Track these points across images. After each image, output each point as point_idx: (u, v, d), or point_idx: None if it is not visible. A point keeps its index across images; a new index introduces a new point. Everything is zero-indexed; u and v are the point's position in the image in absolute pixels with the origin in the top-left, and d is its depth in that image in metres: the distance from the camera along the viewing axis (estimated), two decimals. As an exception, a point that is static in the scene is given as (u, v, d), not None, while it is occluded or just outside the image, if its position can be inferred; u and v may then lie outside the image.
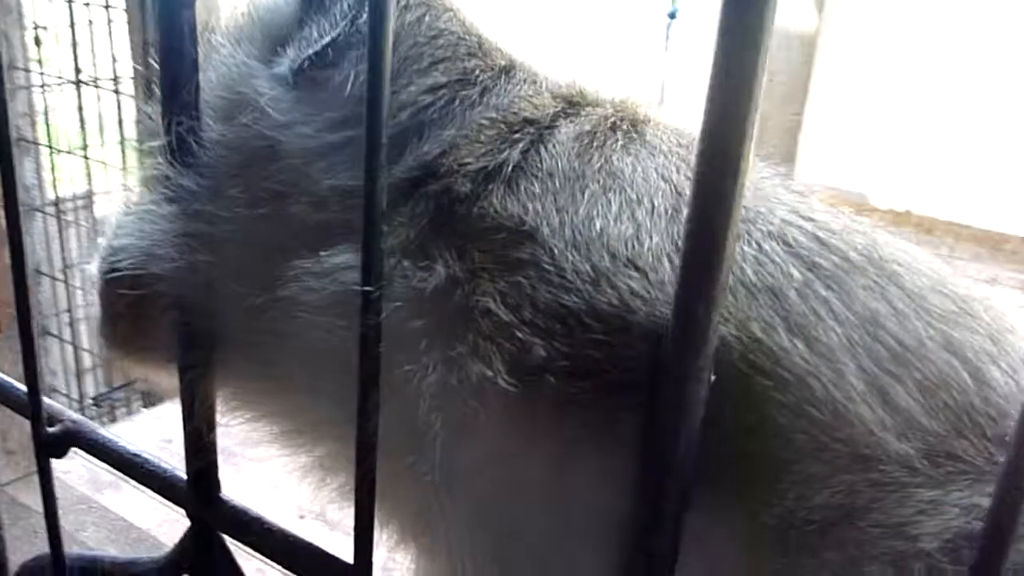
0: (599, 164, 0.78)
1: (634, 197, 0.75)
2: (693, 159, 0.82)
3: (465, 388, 0.72)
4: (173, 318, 0.90)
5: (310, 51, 0.86)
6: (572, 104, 0.86)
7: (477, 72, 0.88)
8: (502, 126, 0.84)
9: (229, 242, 0.86)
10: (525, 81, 0.89)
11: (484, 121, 0.85)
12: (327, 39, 0.86)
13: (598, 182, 0.77)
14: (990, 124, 5.31)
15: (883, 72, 6.03)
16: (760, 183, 0.83)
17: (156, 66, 1.02)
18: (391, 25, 0.67)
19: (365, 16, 0.86)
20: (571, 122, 0.83)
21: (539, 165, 0.79)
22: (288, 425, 0.95)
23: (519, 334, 0.71)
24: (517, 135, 0.82)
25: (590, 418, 0.69)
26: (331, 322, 0.81)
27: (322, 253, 0.82)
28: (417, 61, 0.88)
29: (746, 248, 0.72)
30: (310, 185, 0.85)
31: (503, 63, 0.91)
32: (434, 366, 0.74)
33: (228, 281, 0.87)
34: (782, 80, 6.14)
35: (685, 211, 0.75)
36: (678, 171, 0.79)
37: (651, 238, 0.72)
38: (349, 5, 0.86)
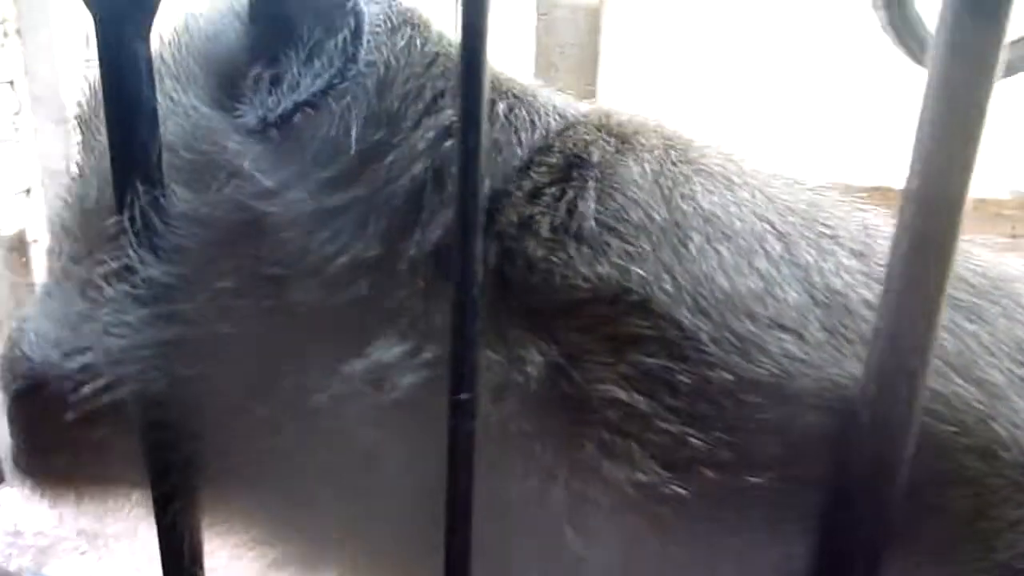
0: (690, 209, 0.67)
1: (744, 245, 0.65)
2: (812, 192, 0.74)
3: (609, 497, 0.60)
4: (147, 444, 0.71)
5: (295, 97, 0.69)
6: (619, 137, 0.74)
7: (492, 103, 0.74)
8: (554, 171, 0.71)
9: (225, 348, 0.68)
10: (549, 111, 0.76)
11: (531, 166, 0.71)
12: (322, 82, 0.69)
13: (698, 231, 0.66)
14: (774, 88, 5.64)
15: (667, 39, 6.26)
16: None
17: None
18: (488, 45, 0.53)
19: (363, 52, 0.70)
20: (634, 161, 0.71)
21: (624, 217, 0.67)
22: (298, 549, 0.78)
23: (664, 424, 0.60)
24: (580, 182, 0.69)
25: (762, 510, 0.59)
26: (386, 436, 0.66)
27: (366, 349, 0.66)
28: (418, 97, 0.73)
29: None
30: (315, 262, 0.68)
31: (513, 89, 0.77)
32: (559, 475, 0.62)
33: (229, 397, 0.69)
34: (572, 52, 6.24)
35: (800, 254, 0.67)
36: (765, 207, 0.70)
37: (785, 292, 0.63)
38: (346, 39, 0.69)
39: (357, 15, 0.69)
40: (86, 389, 0.69)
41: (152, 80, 0.65)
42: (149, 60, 0.65)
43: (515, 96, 0.76)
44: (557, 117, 0.76)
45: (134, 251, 0.66)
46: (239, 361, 0.69)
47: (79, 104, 0.84)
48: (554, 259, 0.66)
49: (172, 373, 0.69)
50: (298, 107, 0.69)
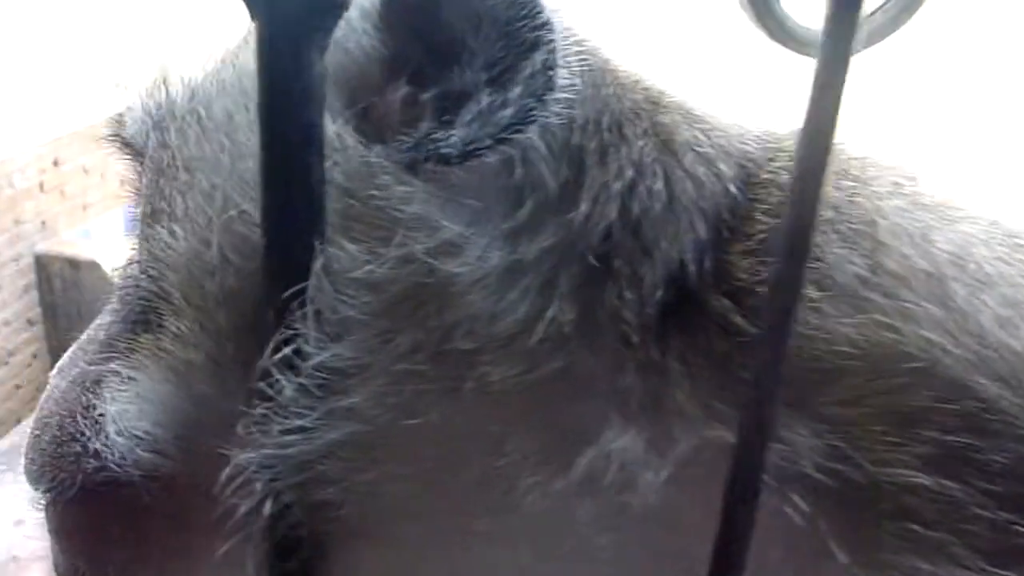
0: (937, 252, 0.59)
1: (1006, 293, 0.58)
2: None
3: None
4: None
5: (488, 130, 0.55)
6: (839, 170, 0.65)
7: (673, 127, 0.63)
8: (778, 212, 0.61)
9: (410, 445, 0.55)
10: (734, 133, 0.65)
11: (751, 206, 0.61)
12: (519, 112, 0.55)
13: (956, 279, 0.58)
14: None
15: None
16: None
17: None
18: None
19: (557, 72, 0.57)
20: (864, 196, 0.62)
21: (881, 265, 0.58)
22: None
23: (981, 511, 0.52)
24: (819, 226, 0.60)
25: None
26: (628, 544, 0.55)
27: (593, 440, 0.55)
28: (599, 126, 0.60)
29: None
30: (508, 329, 0.56)
31: (683, 106, 0.66)
32: None
33: (415, 504, 0.56)
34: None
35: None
36: (994, 244, 0.62)
37: None
38: (546, 60, 0.56)
39: (551, 29, 0.56)
40: (228, 503, 0.54)
41: (323, 106, 0.51)
42: (323, 80, 0.50)
43: (693, 116, 0.65)
44: (750, 141, 0.65)
45: (305, 330, 0.51)
46: (428, 460, 0.56)
47: (138, 126, 0.66)
48: (808, 319, 0.56)
49: (342, 481, 0.55)
50: (496, 142, 0.55)
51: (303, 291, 0.51)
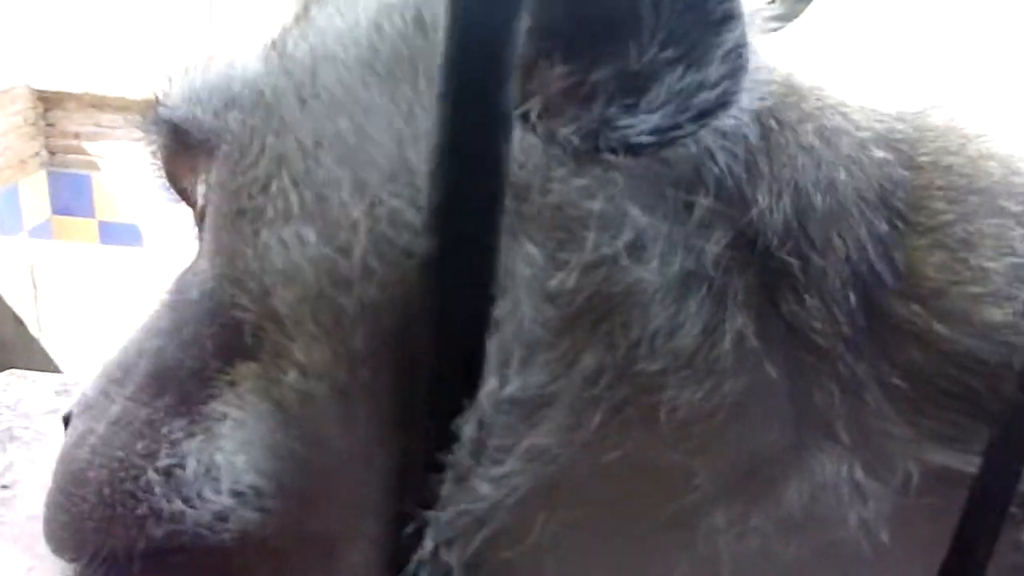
0: None
1: None
2: None
3: None
4: None
5: (682, 115, 0.47)
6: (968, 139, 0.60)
7: (823, 110, 0.57)
8: (949, 195, 0.55)
9: (597, 488, 0.47)
10: (877, 117, 0.59)
11: (924, 193, 0.55)
12: (716, 97, 0.47)
13: None
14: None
15: None
16: None
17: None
18: None
19: (748, 48, 0.50)
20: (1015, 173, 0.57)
21: None
22: None
23: None
24: (992, 205, 0.54)
25: None
26: None
27: (807, 468, 0.48)
28: (763, 115, 0.54)
29: None
30: (692, 345, 0.48)
31: (825, 88, 0.60)
32: None
33: (598, 553, 0.48)
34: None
35: None
36: None
37: None
38: (739, 37, 0.48)
39: (740, 1, 0.49)
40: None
41: (512, 76, 0.41)
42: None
43: (834, 98, 0.58)
44: (889, 120, 0.58)
45: (499, 355, 0.42)
46: (614, 503, 0.48)
47: (200, 106, 0.53)
48: (1019, 324, 0.51)
49: (525, 534, 0.45)
50: (695, 129, 0.47)
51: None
